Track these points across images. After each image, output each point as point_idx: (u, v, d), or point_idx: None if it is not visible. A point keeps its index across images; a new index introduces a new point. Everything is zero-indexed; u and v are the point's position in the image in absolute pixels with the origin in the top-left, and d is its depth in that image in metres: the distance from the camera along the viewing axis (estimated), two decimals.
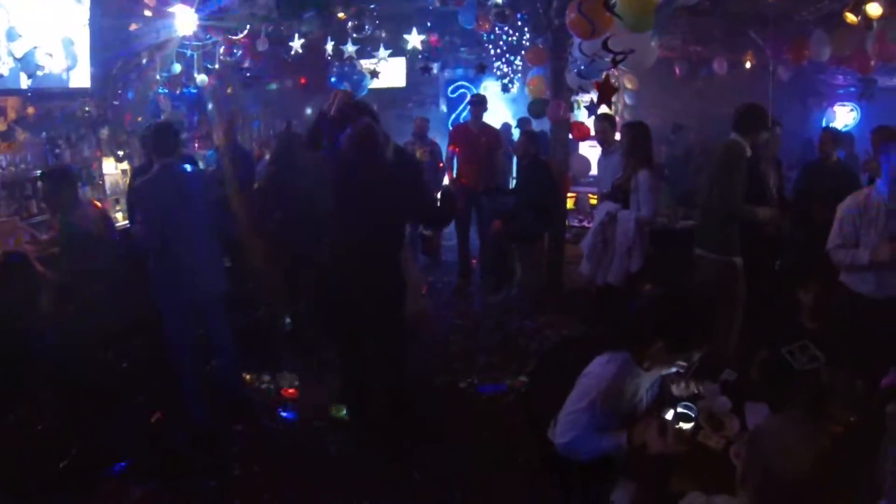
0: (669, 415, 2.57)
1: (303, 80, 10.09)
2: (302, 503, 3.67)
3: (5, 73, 5.54)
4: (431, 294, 6.93)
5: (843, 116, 10.13)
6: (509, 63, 8.57)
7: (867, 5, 4.96)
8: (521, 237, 6.47)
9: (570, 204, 7.92)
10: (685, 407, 2.65)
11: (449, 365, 5.19)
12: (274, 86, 10.00)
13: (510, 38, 8.03)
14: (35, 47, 5.73)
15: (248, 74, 7.96)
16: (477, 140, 7.16)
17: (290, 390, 4.90)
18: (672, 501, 2.06)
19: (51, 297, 3.86)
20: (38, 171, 6.00)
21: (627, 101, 10.27)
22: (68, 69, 6.09)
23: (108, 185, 6.97)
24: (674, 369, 2.56)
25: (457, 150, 7.28)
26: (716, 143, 4.84)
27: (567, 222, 7.44)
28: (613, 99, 9.34)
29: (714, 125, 9.33)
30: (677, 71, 9.14)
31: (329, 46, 7.27)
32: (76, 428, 3.89)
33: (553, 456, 2.79)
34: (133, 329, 4.58)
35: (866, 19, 5.30)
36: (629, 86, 9.77)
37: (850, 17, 5.23)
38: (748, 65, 8.78)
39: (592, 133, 6.44)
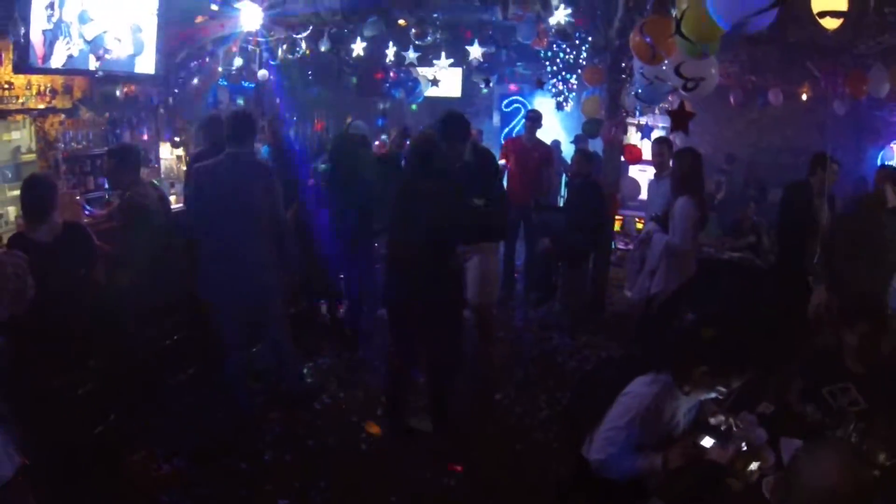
0: (706, 441, 2.58)
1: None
2: (330, 494, 3.75)
3: (75, 53, 5.80)
4: None
5: None
6: (565, 81, 8.63)
7: None
8: (567, 255, 6.52)
9: (616, 226, 7.93)
10: (721, 435, 2.66)
11: (487, 375, 5.24)
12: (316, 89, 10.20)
13: (567, 56, 8.09)
14: (105, 31, 6.01)
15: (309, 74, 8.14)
16: (529, 155, 7.22)
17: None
18: None
19: (105, 270, 4.01)
20: (98, 150, 6.33)
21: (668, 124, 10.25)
22: (134, 55, 6.37)
23: (163, 168, 7.21)
24: (713, 394, 2.58)
25: (508, 163, 7.36)
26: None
27: (613, 244, 7.47)
28: (666, 124, 9.44)
29: (766, 156, 9.35)
30: (732, 100, 9.09)
31: (390, 52, 7.43)
32: (116, 398, 4.02)
33: (584, 473, 2.85)
34: (180, 308, 4.74)
35: None
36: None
37: None
38: (804, 97, 8.70)
39: (644, 157, 6.47)
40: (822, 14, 4.51)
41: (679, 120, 4.46)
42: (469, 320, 4.81)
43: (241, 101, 8.24)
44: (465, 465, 4.02)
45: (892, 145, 9.98)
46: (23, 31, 5.19)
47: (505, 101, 11.05)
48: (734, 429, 2.64)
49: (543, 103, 10.15)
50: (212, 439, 4.14)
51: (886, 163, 8.71)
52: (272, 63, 7.58)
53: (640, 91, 5.23)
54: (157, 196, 4.57)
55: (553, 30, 5.94)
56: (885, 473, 2.49)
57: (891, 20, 4.89)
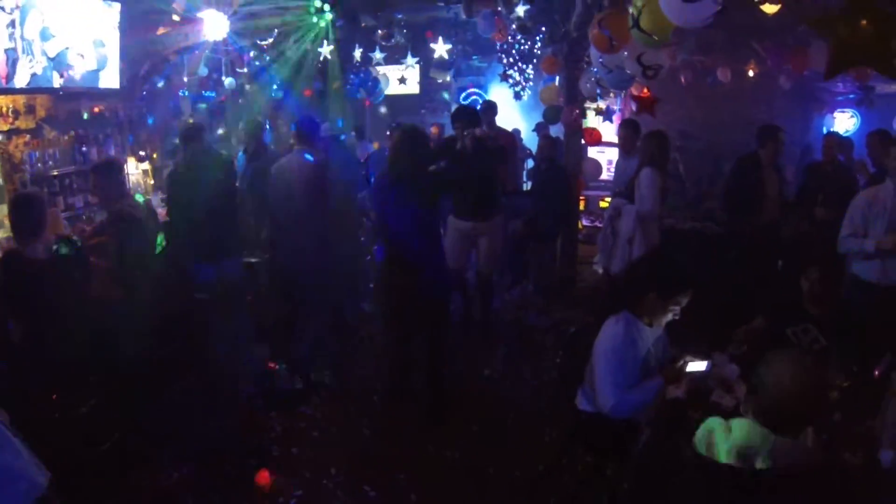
0: (691, 366, 2.95)
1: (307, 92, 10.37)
2: (341, 479, 3.97)
3: (38, 71, 5.87)
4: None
5: (844, 122, 10.50)
6: (521, 71, 8.95)
7: None
8: (536, 236, 6.89)
9: (581, 205, 8.30)
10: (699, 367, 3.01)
11: (471, 354, 5.57)
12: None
13: (522, 48, 8.41)
14: (67, 47, 6.09)
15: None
16: (494, 143, 7.51)
17: None
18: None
19: (99, 284, 4.14)
20: (65, 169, 6.41)
21: (634, 108, 10.65)
22: (98, 70, 6.45)
23: (130, 183, 7.28)
24: (669, 316, 2.99)
25: None
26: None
27: (580, 223, 7.86)
28: (621, 106, 9.89)
29: (719, 132, 9.81)
30: (683, 79, 9.54)
31: (357, 53, 7.65)
32: (119, 411, 4.16)
33: (580, 425, 3.28)
34: (176, 317, 4.88)
35: None
36: (636, 93, 10.17)
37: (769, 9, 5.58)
38: (751, 74, 9.17)
39: (604, 139, 6.85)
40: (762, 1, 4.99)
41: (645, 105, 4.86)
42: (472, 285, 6.08)
43: (203, 106, 8.31)
44: (464, 437, 4.30)
45: (833, 114, 10.57)
46: None
47: (463, 94, 11.29)
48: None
49: (501, 93, 10.47)
50: (218, 440, 4.29)
51: (831, 129, 9.24)
52: (239, 71, 7.71)
53: (602, 78, 5.57)
54: (145, 208, 4.73)
55: (514, 24, 6.22)
56: (842, 393, 2.90)
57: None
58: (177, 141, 7.56)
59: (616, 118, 9.45)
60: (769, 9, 4.92)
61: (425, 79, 10.50)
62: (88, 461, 3.59)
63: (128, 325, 4.18)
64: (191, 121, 7.71)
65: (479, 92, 11.19)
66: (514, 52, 8.55)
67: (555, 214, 6.80)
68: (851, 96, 9.90)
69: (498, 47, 8.68)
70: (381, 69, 9.23)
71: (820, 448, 2.47)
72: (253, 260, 5.82)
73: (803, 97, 10.05)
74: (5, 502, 2.07)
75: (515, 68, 8.84)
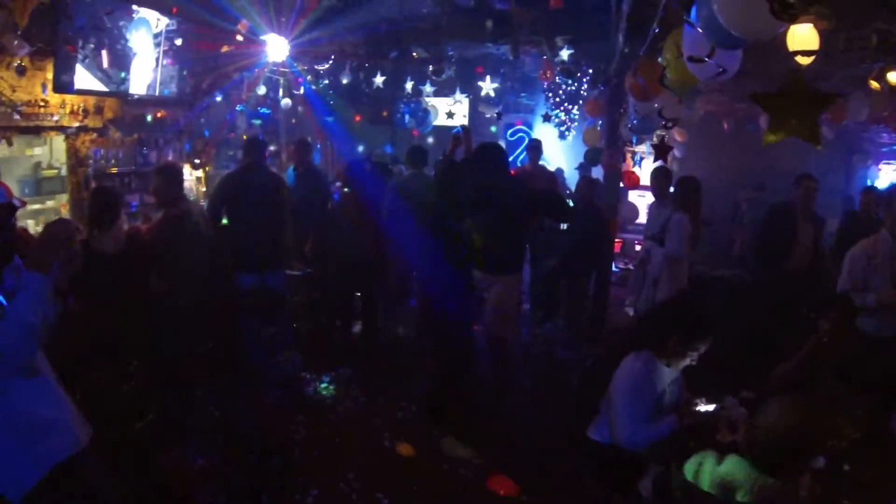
0: (702, 407, 3.16)
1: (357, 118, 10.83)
2: (358, 484, 4.23)
3: (109, 76, 6.40)
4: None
5: (889, 175, 10.47)
6: (567, 112, 9.29)
7: (889, 73, 5.52)
8: (570, 274, 7.13)
9: (616, 248, 8.51)
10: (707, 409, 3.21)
11: (498, 385, 5.68)
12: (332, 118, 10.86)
13: (569, 88, 8.75)
14: (136, 54, 6.63)
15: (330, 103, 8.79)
16: (533, 181, 7.85)
17: None
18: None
19: (150, 278, 4.52)
20: (125, 168, 6.92)
21: (677, 153, 10.89)
22: (163, 80, 7.00)
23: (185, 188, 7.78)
24: (688, 360, 3.15)
25: None
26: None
27: (614, 265, 8.08)
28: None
29: (756, 178, 9.95)
30: (725, 126, 9.74)
31: (409, 85, 8.09)
32: (155, 397, 4.49)
33: (594, 453, 3.44)
34: (217, 317, 5.24)
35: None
36: (679, 139, 10.41)
37: (874, 84, 5.68)
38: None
39: (642, 182, 7.11)
40: (796, 52, 5.23)
41: (660, 151, 5.17)
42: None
43: (258, 122, 8.82)
44: (482, 460, 4.52)
45: (879, 166, 10.57)
46: (61, 55, 5.78)
47: (510, 131, 11.64)
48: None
49: (546, 133, 10.82)
50: (244, 438, 4.60)
51: (871, 183, 9.23)
52: (294, 92, 8.21)
53: (635, 122, 5.87)
54: (200, 211, 5.15)
55: (559, 69, 6.56)
56: (851, 444, 3.07)
57: (861, 52, 5.48)
58: (231, 153, 8.11)
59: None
60: (803, 60, 5.15)
61: (474, 112, 10.90)
62: (122, 437, 3.85)
63: (171, 318, 4.55)
64: (245, 136, 8.23)
65: (526, 129, 11.55)
66: (560, 92, 8.89)
67: (589, 254, 7.01)
68: None
69: (545, 87, 9.04)
70: (431, 100, 9.67)
71: (814, 499, 2.56)
72: (295, 273, 6.18)
73: (847, 148, 10.11)
74: (46, 453, 2.28)
75: (561, 108, 9.18)
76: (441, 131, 11.02)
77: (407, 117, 9.29)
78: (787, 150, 9.80)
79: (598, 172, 7.98)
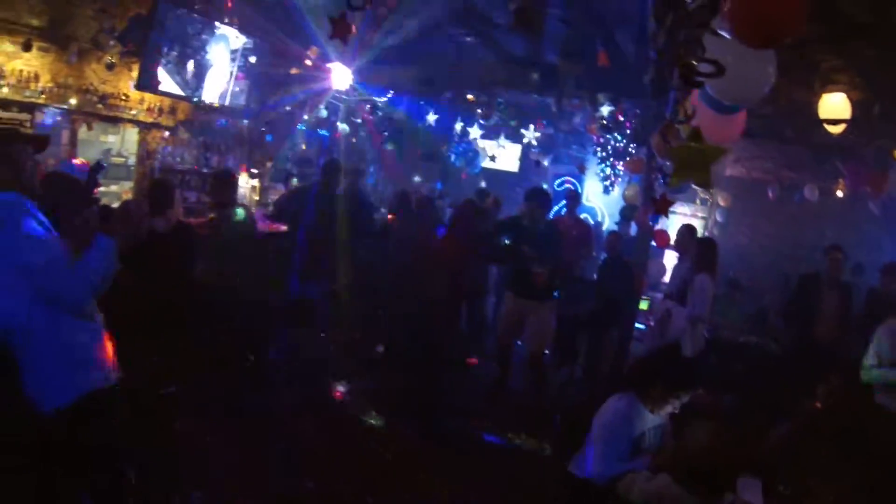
0: None
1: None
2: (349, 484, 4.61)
3: (185, 82, 7.15)
4: None
5: None
6: (612, 167, 9.66)
7: None
8: (592, 325, 7.42)
9: (644, 305, 8.73)
10: None
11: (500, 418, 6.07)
12: (390, 146, 11.49)
13: (617, 144, 9.13)
14: (212, 66, 7.36)
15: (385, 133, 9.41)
16: (569, 232, 8.20)
17: None
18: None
19: (202, 267, 5.06)
20: (188, 167, 7.63)
21: (718, 218, 11.11)
22: (233, 92, 7.72)
23: (239, 194, 8.43)
24: (670, 408, 3.36)
25: None
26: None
27: (638, 322, 8.32)
28: (705, 214, 10.40)
29: (802, 251, 10.01)
30: (770, 194, 9.88)
31: (458, 126, 8.64)
32: (180, 372, 4.86)
33: (574, 487, 3.62)
34: (247, 309, 5.73)
35: None
36: (722, 203, 10.62)
37: None
38: (840, 194, 9.22)
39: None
40: (827, 121, 5.44)
41: (661, 206, 5.53)
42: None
43: (314, 146, 9.49)
44: (475, 482, 4.81)
45: None
46: (149, 58, 6.53)
47: (557, 181, 12.06)
48: None
49: (593, 185, 11.21)
50: (259, 422, 5.05)
51: None
52: (353, 119, 8.86)
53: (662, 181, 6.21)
54: (253, 216, 5.74)
55: (598, 125, 6.99)
56: None
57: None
58: (288, 167, 8.76)
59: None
60: (833, 129, 5.39)
61: (525, 159, 11.37)
62: (146, 403, 4.24)
63: (210, 305, 5.06)
64: (304, 147, 8.88)
65: (573, 181, 11.94)
66: (608, 146, 9.27)
67: (613, 307, 7.26)
68: None
69: (594, 140, 9.45)
70: (482, 143, 10.21)
71: None
72: (334, 287, 6.64)
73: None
74: (81, 381, 2.76)
75: (607, 163, 9.54)
76: (492, 174, 11.55)
77: (453, 156, 9.81)
78: (836, 221, 9.94)
79: None
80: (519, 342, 6.60)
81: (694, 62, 2.26)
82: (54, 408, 2.71)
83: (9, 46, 5.90)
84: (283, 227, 6.46)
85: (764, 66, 2.89)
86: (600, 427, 3.40)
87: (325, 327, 6.62)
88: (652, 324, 8.05)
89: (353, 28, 3.18)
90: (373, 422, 5.57)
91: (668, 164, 5.50)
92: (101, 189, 7.14)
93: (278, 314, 5.87)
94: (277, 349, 5.97)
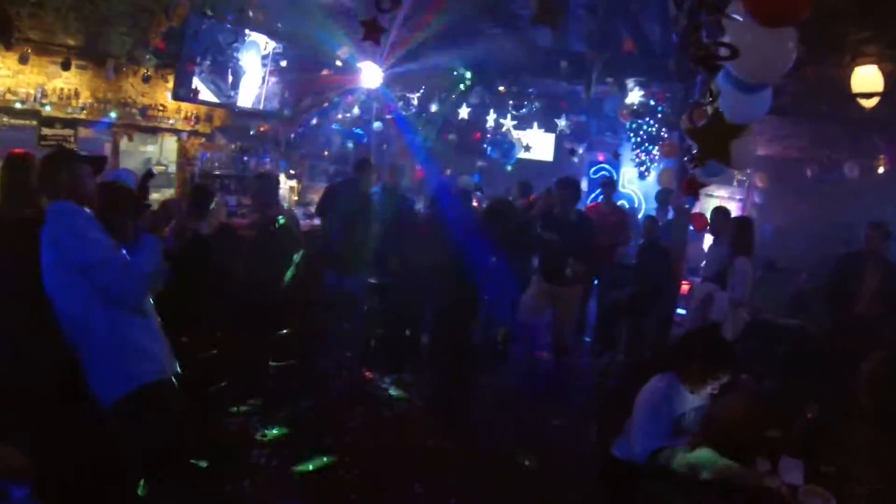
0: None
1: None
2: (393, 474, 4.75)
3: (220, 90, 7.38)
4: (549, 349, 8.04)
5: None
6: (647, 152, 9.65)
7: None
8: (632, 311, 7.47)
9: (685, 288, 8.72)
10: None
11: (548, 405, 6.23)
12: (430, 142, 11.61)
13: (650, 129, 9.13)
14: (245, 73, 7.58)
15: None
16: (606, 219, 8.24)
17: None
18: None
19: (243, 267, 5.27)
20: (226, 171, 7.89)
21: (757, 199, 11.01)
22: (266, 96, 7.94)
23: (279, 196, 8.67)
24: (710, 388, 3.38)
25: None
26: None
27: (679, 307, 8.33)
28: (742, 196, 10.32)
29: (841, 229, 9.87)
30: (808, 173, 9.79)
31: (490, 118, 8.75)
32: (230, 369, 5.14)
33: (615, 468, 3.71)
34: (292, 309, 5.92)
35: None
36: (760, 184, 10.53)
37: None
38: (881, 170, 9.13)
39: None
40: (859, 95, 5.38)
41: (690, 188, 5.52)
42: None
43: (350, 145, 9.68)
44: (514, 468, 4.95)
45: None
46: (183, 69, 6.78)
47: (592, 169, 12.04)
48: None
49: (629, 172, 11.21)
50: (303, 418, 5.23)
51: None
52: (386, 116, 9.03)
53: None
54: (292, 216, 5.93)
55: (629, 109, 7.02)
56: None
57: None
58: (324, 167, 8.96)
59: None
60: (866, 103, 5.33)
61: (559, 148, 11.42)
62: (198, 397, 4.43)
63: (254, 302, 5.26)
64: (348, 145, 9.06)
65: (608, 167, 11.95)
66: (641, 132, 9.28)
67: (652, 292, 7.32)
68: None
69: (627, 126, 9.46)
70: (517, 133, 10.28)
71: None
72: (374, 281, 6.79)
73: None
74: (139, 374, 2.95)
75: (642, 148, 9.55)
76: (527, 165, 11.59)
77: (489, 149, 9.91)
78: (878, 198, 9.75)
79: None
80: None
81: (709, 46, 2.33)
82: (114, 400, 2.90)
83: (48, 66, 6.20)
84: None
85: (784, 44, 2.90)
86: (641, 407, 3.44)
87: (363, 321, 6.76)
88: (692, 307, 8.07)
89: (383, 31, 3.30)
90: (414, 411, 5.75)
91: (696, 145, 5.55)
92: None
93: (319, 308, 6.03)
94: (321, 343, 6.14)
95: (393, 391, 6.06)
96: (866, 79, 5.41)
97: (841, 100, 5.97)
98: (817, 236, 9.94)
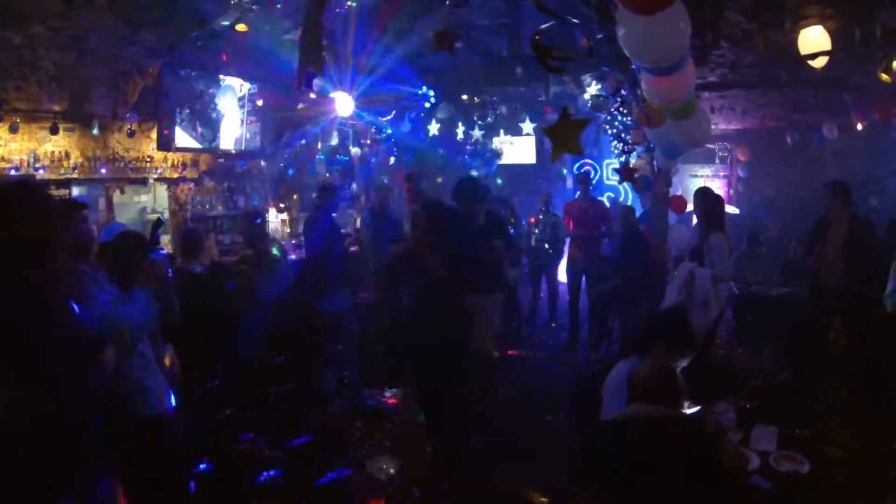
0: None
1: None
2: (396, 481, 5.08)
3: (202, 136, 7.84)
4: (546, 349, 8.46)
5: None
6: (625, 142, 9.93)
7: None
8: (621, 301, 7.75)
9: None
10: None
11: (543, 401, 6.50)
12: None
13: (624, 118, 9.38)
14: (223, 116, 8.03)
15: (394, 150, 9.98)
16: (586, 213, 8.58)
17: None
18: None
19: (237, 299, 5.65)
20: (217, 212, 8.33)
21: (741, 173, 11.27)
22: (245, 137, 8.38)
23: (270, 229, 9.05)
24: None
25: (570, 224, 8.72)
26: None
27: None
28: (727, 172, 10.56)
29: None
30: (788, 140, 9.92)
31: (460, 130, 9.14)
32: (233, 396, 5.43)
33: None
34: (289, 335, 6.23)
35: None
36: (742, 158, 10.79)
37: (884, 77, 5.96)
38: (859, 127, 9.17)
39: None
40: (809, 56, 5.47)
41: (626, 174, 5.79)
42: None
43: (333, 173, 10.09)
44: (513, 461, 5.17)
45: None
46: (163, 122, 7.23)
47: (576, 165, 12.36)
48: None
49: (613, 164, 11.50)
50: (306, 435, 5.58)
51: None
52: (362, 141, 9.45)
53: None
54: (281, 248, 6.36)
55: (591, 104, 7.37)
56: (848, 455, 3.42)
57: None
58: (314, 196, 9.36)
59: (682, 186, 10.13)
60: (816, 63, 5.45)
61: (540, 149, 11.76)
62: (203, 426, 4.89)
63: (252, 332, 5.60)
64: (327, 175, 9.49)
65: (593, 163, 12.27)
66: (616, 122, 9.54)
67: (638, 280, 7.59)
68: None
69: (602, 118, 9.75)
70: (496, 141, 10.69)
71: None
72: (363, 299, 7.17)
73: None
74: (138, 409, 3.32)
75: (619, 139, 9.81)
76: (511, 169, 11.91)
77: (466, 158, 10.27)
78: (860, 155, 9.88)
79: None
80: None
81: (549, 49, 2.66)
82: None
83: (38, 132, 6.69)
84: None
85: (674, 24, 3.20)
86: (606, 391, 3.63)
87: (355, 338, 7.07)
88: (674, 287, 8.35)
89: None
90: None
91: (650, 130, 5.88)
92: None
93: (313, 331, 6.40)
94: (318, 364, 6.50)
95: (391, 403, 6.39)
96: (813, 40, 5.50)
97: (798, 63, 6.07)
98: (805, 202, 9.89)
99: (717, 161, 11.37)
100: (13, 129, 6.44)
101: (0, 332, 2.24)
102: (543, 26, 3.18)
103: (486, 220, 5.87)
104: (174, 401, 3.71)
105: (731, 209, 10.12)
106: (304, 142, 9.21)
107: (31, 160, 6.65)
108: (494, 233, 5.81)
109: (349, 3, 5.73)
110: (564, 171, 12.54)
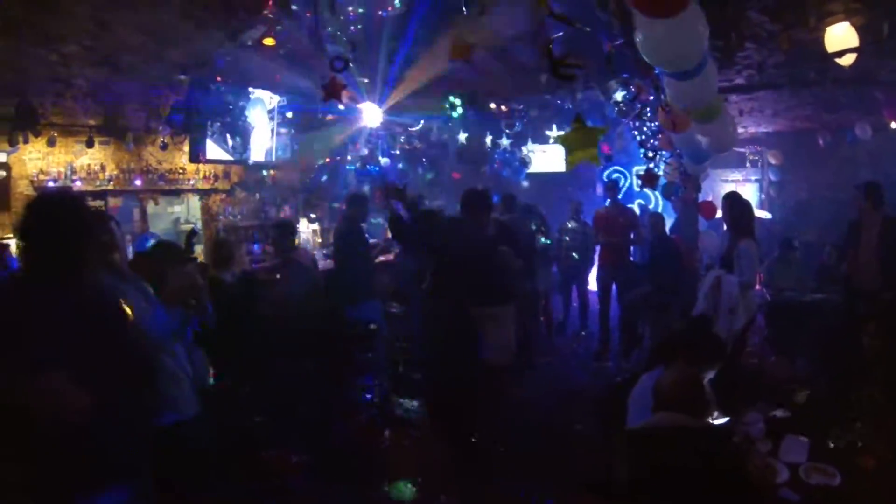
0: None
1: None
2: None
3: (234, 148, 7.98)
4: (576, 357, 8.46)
5: None
6: (653, 148, 9.87)
7: None
8: (649, 307, 7.72)
9: None
10: None
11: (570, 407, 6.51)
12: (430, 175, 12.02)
13: (652, 124, 9.32)
14: (253, 128, 8.16)
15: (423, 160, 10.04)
16: (615, 221, 8.56)
17: None
18: None
19: (268, 307, 5.75)
20: (249, 223, 8.48)
21: (772, 177, 11.11)
22: (277, 148, 8.50)
23: (301, 239, 9.18)
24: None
25: (600, 233, 8.69)
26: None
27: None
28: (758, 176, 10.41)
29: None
30: (821, 141, 9.74)
31: (488, 140, 9.17)
32: (264, 404, 5.56)
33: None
34: (319, 343, 6.32)
35: None
36: (773, 161, 10.64)
37: None
38: (893, 125, 8.96)
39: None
40: (837, 54, 5.36)
41: (648, 180, 5.73)
42: None
43: (367, 179, 10.19)
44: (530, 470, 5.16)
45: None
46: (195, 135, 7.38)
47: (606, 172, 12.33)
48: None
49: (642, 171, 11.42)
50: (333, 446, 5.64)
51: None
52: (392, 151, 9.53)
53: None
54: (310, 258, 6.43)
55: (616, 110, 7.35)
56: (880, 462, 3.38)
57: None
58: (339, 205, 9.48)
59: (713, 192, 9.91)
60: (844, 61, 5.34)
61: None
62: (234, 431, 4.94)
63: (282, 340, 5.70)
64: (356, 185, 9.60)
65: (622, 170, 12.22)
66: (644, 128, 9.48)
67: (668, 287, 7.51)
68: None
69: (631, 125, 9.69)
70: (526, 149, 10.69)
71: None
72: (393, 310, 7.22)
73: None
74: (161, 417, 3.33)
75: (649, 145, 9.76)
76: (541, 178, 11.94)
77: (495, 166, 10.30)
78: (893, 157, 9.49)
79: None
80: None
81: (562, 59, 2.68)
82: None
83: (74, 146, 6.91)
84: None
85: (691, 27, 3.17)
86: (632, 403, 3.60)
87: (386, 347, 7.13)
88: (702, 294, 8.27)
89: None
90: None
91: (676, 136, 5.86)
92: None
93: (343, 340, 6.47)
94: (348, 372, 6.57)
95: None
96: (840, 37, 5.34)
97: (825, 61, 5.91)
98: (839, 204, 9.73)
99: (747, 165, 11.22)
100: (51, 143, 6.67)
101: (57, 329, 2.38)
102: (557, 34, 3.18)
103: (496, 229, 5.88)
104: (198, 406, 3.75)
105: (762, 214, 10.05)
106: (332, 151, 9.30)
107: (69, 172, 6.88)
108: (504, 243, 5.75)
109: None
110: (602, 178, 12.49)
